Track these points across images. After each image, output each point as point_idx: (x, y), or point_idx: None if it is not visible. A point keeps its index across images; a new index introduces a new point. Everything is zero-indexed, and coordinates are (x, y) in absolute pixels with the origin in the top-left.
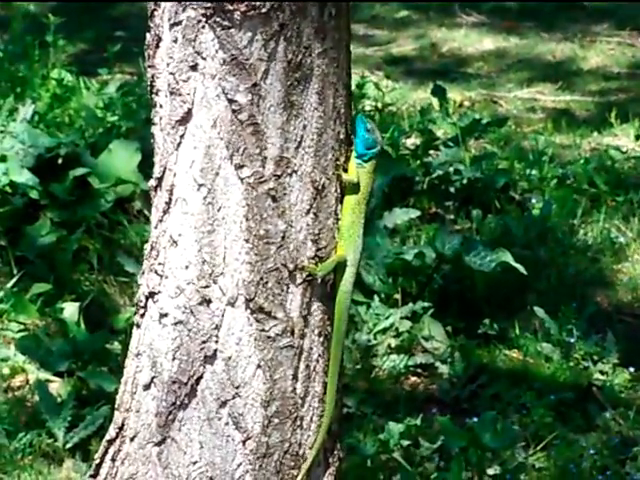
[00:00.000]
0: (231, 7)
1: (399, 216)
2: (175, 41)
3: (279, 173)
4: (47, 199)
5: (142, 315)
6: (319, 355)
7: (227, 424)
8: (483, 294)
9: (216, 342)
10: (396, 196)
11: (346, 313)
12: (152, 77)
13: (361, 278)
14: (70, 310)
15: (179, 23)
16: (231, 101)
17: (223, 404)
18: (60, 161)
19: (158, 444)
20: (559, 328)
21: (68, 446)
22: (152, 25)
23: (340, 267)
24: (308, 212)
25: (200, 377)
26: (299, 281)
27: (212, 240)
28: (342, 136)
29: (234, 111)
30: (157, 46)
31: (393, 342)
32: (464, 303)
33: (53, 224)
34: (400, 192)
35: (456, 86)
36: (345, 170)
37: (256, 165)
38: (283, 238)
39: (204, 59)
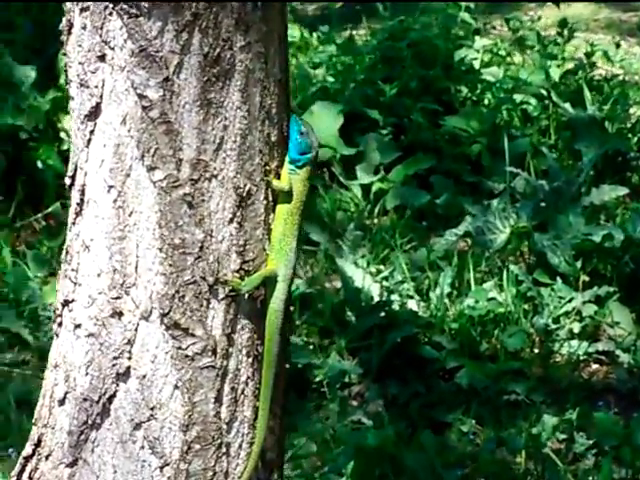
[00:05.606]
0: None
1: (607, 193)
2: (84, 28)
3: (196, 177)
4: None
5: (59, 324)
6: (248, 377)
7: (142, 448)
8: None
9: (129, 359)
10: (608, 172)
11: (277, 333)
12: (65, 65)
13: (546, 259)
14: None
15: (87, 9)
16: (141, 96)
17: (138, 426)
18: None
19: (70, 465)
20: None
21: None
22: (65, 9)
23: (270, 282)
24: (231, 221)
25: (113, 395)
26: (221, 296)
27: (123, 247)
28: (273, 138)
29: (144, 107)
30: (69, 32)
31: (575, 327)
32: None
33: None
34: (613, 168)
35: None
36: (278, 176)
37: (170, 168)
38: (201, 248)
39: (112, 49)
